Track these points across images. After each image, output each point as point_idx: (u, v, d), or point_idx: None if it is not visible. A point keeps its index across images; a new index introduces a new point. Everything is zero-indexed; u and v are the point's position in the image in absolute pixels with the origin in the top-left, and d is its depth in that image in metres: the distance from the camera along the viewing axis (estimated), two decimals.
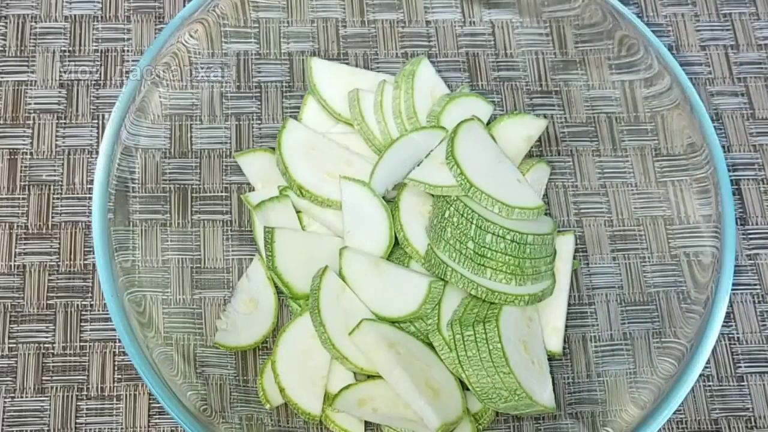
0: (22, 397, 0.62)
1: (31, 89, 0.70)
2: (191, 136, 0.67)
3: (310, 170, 0.65)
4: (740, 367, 0.66)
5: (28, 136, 0.69)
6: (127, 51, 0.72)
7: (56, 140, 0.69)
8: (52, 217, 0.67)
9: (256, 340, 0.63)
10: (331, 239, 0.65)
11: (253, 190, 0.67)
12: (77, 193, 0.68)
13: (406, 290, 0.61)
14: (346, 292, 0.62)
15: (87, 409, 0.62)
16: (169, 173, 0.65)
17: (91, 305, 0.65)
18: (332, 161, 0.65)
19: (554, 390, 0.60)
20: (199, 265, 0.64)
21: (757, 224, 0.69)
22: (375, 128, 0.66)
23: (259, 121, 0.69)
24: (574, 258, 0.65)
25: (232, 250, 0.66)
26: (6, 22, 0.72)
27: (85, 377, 0.63)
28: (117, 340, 0.64)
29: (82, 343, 0.64)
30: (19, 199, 0.67)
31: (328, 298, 0.60)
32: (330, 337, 0.59)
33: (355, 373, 0.62)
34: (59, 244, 0.66)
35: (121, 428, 0.62)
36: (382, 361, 0.59)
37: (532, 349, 0.61)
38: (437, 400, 0.58)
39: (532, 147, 0.68)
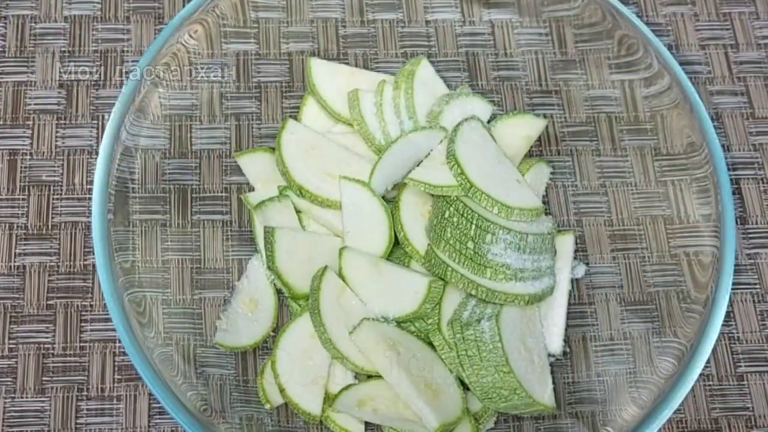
0: (22, 397, 0.62)
1: (30, 90, 0.70)
2: (191, 137, 0.67)
3: (310, 170, 0.65)
4: (740, 366, 0.66)
5: (27, 137, 0.69)
6: (127, 51, 0.72)
7: (56, 141, 0.69)
8: (52, 218, 0.67)
9: (256, 340, 0.63)
10: (331, 239, 0.65)
11: (253, 190, 0.67)
12: (77, 194, 0.68)
13: (406, 290, 0.61)
14: (346, 292, 0.62)
15: (87, 409, 0.62)
16: (169, 173, 0.65)
17: (91, 306, 0.65)
18: (332, 161, 0.65)
19: (554, 390, 0.60)
20: (199, 266, 0.64)
21: (756, 223, 0.69)
22: (375, 128, 0.66)
23: (259, 121, 0.69)
24: (574, 258, 0.65)
25: (232, 250, 0.66)
26: (6, 23, 0.72)
27: (85, 378, 0.63)
28: (117, 341, 0.64)
29: (82, 344, 0.64)
30: (19, 199, 0.67)
31: (328, 298, 0.61)
32: (330, 337, 0.59)
33: (355, 374, 0.62)
34: (59, 244, 0.66)
35: (122, 428, 0.62)
36: (381, 361, 0.59)
37: (532, 348, 0.61)
38: (436, 401, 0.58)
39: (532, 147, 0.68)
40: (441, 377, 0.60)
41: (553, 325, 0.63)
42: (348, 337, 0.60)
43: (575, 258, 0.66)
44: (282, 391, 0.60)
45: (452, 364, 0.60)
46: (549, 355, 0.62)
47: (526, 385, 0.58)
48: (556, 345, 0.63)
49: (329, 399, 0.61)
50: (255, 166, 0.67)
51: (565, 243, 0.65)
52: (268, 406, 0.61)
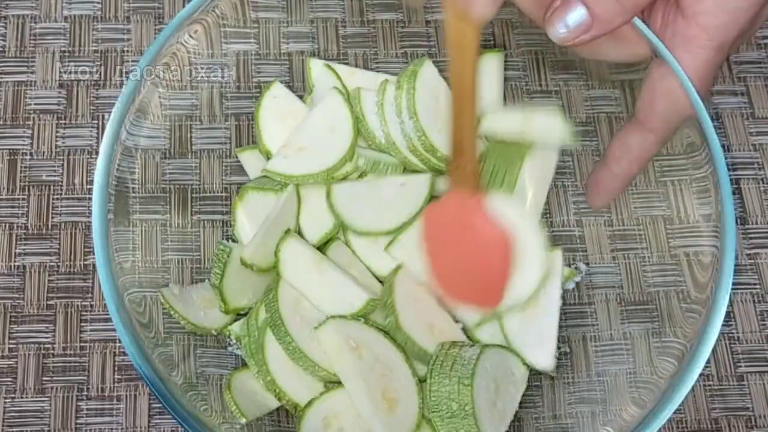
0: (22, 397, 0.62)
1: (30, 90, 0.70)
2: (191, 137, 0.67)
3: (281, 137, 0.64)
4: (740, 366, 0.66)
5: (28, 137, 0.69)
6: (127, 51, 0.72)
7: (56, 141, 0.69)
8: (52, 218, 0.67)
9: (198, 327, 0.61)
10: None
11: None
12: (77, 194, 0.68)
13: (344, 298, 0.60)
14: (303, 301, 0.60)
15: (87, 409, 0.62)
16: (169, 173, 0.65)
17: (91, 305, 0.65)
18: (306, 132, 0.64)
19: (554, 390, 0.60)
20: (199, 266, 0.64)
21: (756, 223, 0.69)
22: (375, 126, 0.66)
23: None
24: (573, 263, 0.65)
25: None
26: (6, 23, 0.72)
27: (85, 377, 0.63)
28: (117, 341, 0.64)
29: (82, 344, 0.64)
30: (19, 199, 0.67)
31: (288, 307, 0.59)
32: (297, 346, 0.58)
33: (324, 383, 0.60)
34: (59, 244, 0.66)
35: (122, 428, 0.62)
36: (342, 366, 0.57)
37: (501, 394, 0.59)
38: (391, 415, 0.57)
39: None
40: (402, 383, 0.58)
41: (545, 344, 0.61)
42: (314, 343, 0.58)
43: (573, 264, 0.66)
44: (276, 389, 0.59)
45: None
46: (542, 371, 0.62)
47: (482, 428, 0.57)
48: (548, 362, 0.61)
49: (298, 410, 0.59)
50: (256, 162, 0.67)
51: (554, 260, 0.63)
52: (244, 420, 0.59)
